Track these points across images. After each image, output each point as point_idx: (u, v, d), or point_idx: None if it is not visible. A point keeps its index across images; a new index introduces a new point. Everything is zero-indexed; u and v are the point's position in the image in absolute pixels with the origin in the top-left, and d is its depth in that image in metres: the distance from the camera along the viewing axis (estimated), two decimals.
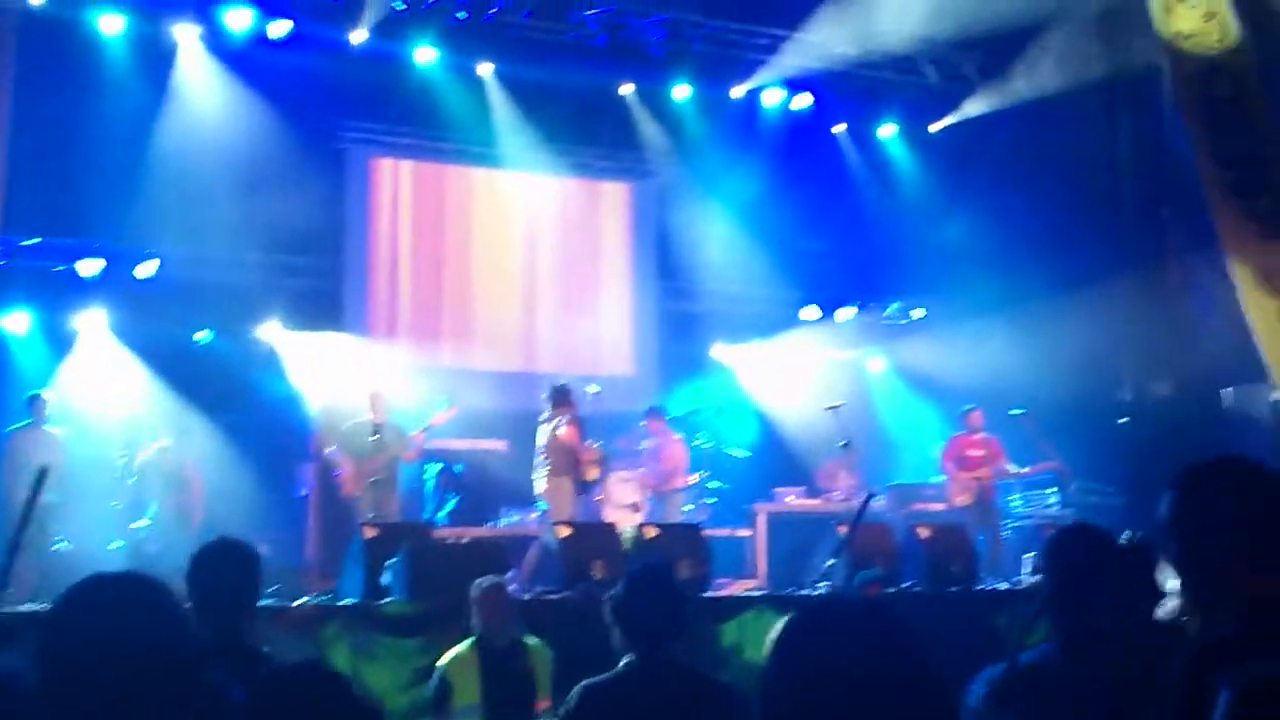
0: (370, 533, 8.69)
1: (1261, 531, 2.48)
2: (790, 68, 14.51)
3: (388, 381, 11.48)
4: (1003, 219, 13.80)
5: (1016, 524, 13.00)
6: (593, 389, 12.31)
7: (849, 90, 15.13)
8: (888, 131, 15.77)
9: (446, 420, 11.50)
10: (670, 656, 3.95)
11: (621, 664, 3.94)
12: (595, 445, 11.40)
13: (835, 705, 1.83)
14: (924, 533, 10.59)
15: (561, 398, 11.33)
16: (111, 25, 12.17)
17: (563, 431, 11.13)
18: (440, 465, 12.75)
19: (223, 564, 4.37)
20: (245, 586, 4.38)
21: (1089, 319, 13.15)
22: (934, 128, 15.37)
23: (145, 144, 12.16)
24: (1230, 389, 12.83)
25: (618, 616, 4.00)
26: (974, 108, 14.73)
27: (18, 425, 10.54)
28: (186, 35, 12.67)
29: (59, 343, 12.07)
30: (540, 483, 11.23)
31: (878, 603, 2.07)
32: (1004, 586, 10.62)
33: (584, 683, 3.93)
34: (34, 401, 10.64)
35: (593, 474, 11.27)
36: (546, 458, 11.17)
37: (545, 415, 11.32)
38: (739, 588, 11.16)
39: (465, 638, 6.75)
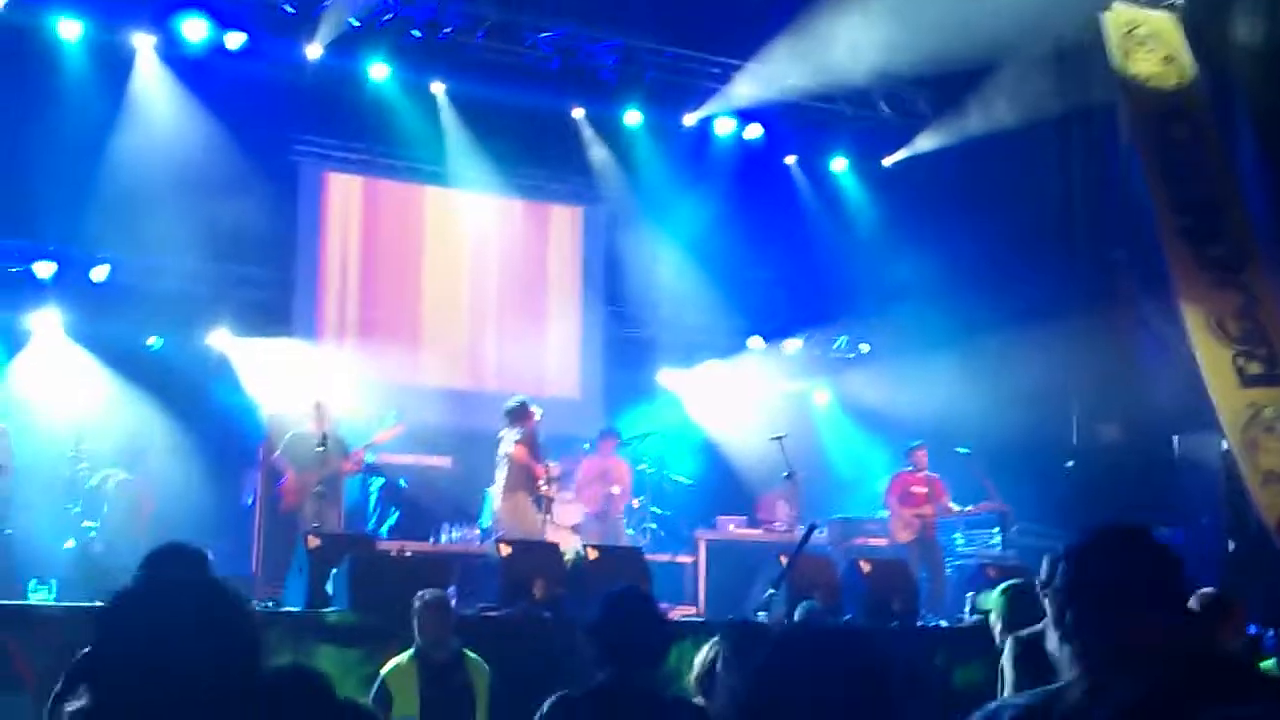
0: (314, 543, 8.59)
1: (1150, 595, 2.52)
2: (743, 97, 14.61)
3: (334, 393, 11.37)
4: (953, 255, 13.92)
5: (959, 562, 13.06)
6: (536, 411, 12.26)
7: (801, 122, 15.26)
8: (839, 165, 15.90)
9: (391, 438, 11.46)
10: (646, 679, 3.90)
11: (595, 682, 3.89)
12: (551, 463, 11.35)
13: None
14: (866, 567, 10.57)
15: (517, 415, 11.33)
16: (69, 31, 12.07)
17: (512, 449, 11.10)
18: (383, 479, 12.65)
19: (173, 566, 4.30)
20: None
21: (1038, 359, 13.26)
22: (887, 162, 15.50)
23: (100, 150, 12.05)
24: (1179, 436, 12.93)
25: (595, 635, 3.94)
26: (927, 143, 14.87)
27: None
28: (143, 44, 12.58)
29: (11, 341, 11.94)
30: (496, 499, 11.27)
31: (861, 633, 2.12)
32: (944, 624, 10.63)
33: (559, 693, 3.86)
34: None
35: (549, 491, 11.21)
36: (504, 475, 11.18)
37: (502, 432, 11.29)
38: (678, 614, 11.12)
39: (406, 649, 6.68)
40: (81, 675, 3.93)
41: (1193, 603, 4.69)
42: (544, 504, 11.28)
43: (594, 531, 12.24)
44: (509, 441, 11.20)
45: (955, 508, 12.71)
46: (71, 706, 3.06)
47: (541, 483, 11.21)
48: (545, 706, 3.77)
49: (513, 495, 11.16)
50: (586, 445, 13.13)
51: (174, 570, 4.02)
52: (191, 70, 12.66)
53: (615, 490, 12.53)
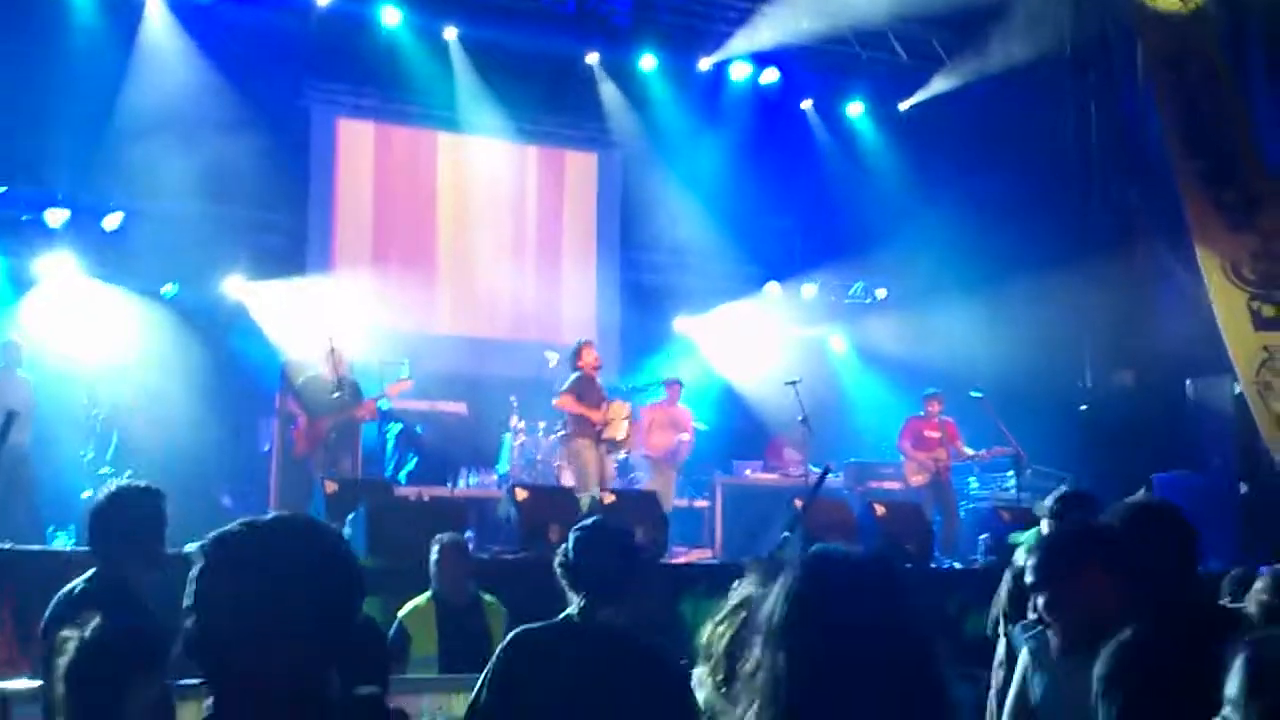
0: (331, 488, 8.66)
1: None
2: (758, 41, 14.49)
3: (348, 338, 11.38)
4: (968, 199, 13.89)
5: (972, 505, 13.10)
6: (552, 356, 12.29)
7: (817, 66, 15.15)
8: (855, 109, 15.79)
9: (400, 392, 11.41)
10: (610, 614, 3.86)
11: (560, 616, 3.91)
12: (611, 404, 11.27)
13: (853, 648, 1.94)
14: (880, 509, 10.64)
15: (570, 361, 11.39)
16: None
17: (557, 399, 11.19)
18: (400, 425, 12.71)
19: (119, 509, 4.31)
20: (140, 531, 4.32)
21: (1053, 303, 13.25)
22: (903, 106, 15.40)
23: (112, 98, 12.00)
24: (1192, 380, 12.92)
25: (563, 569, 3.96)
26: (942, 85, 14.75)
27: None
28: None
29: (23, 289, 11.95)
30: (563, 447, 11.48)
31: (890, 559, 2.15)
32: (958, 566, 10.70)
33: (520, 628, 3.84)
34: (7, 347, 10.56)
35: (612, 433, 11.16)
36: (564, 423, 11.32)
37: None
38: (694, 557, 11.21)
39: (423, 592, 6.75)
40: (71, 608, 3.97)
41: None
42: (612, 447, 11.23)
43: (657, 478, 12.15)
44: (556, 391, 11.24)
45: (969, 451, 12.73)
46: (67, 631, 3.08)
47: (603, 426, 11.13)
48: (505, 641, 3.74)
49: (569, 443, 11.19)
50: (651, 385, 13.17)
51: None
52: (203, 16, 12.62)
53: (685, 437, 12.43)
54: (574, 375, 11.24)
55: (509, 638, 3.73)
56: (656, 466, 12.30)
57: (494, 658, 3.64)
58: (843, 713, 1.93)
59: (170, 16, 12.60)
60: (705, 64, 14.91)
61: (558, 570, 3.98)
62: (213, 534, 2.08)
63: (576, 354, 11.35)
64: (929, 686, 1.98)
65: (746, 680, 2.05)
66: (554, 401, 11.27)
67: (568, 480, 11.42)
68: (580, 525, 4.10)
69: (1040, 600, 3.10)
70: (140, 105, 12.05)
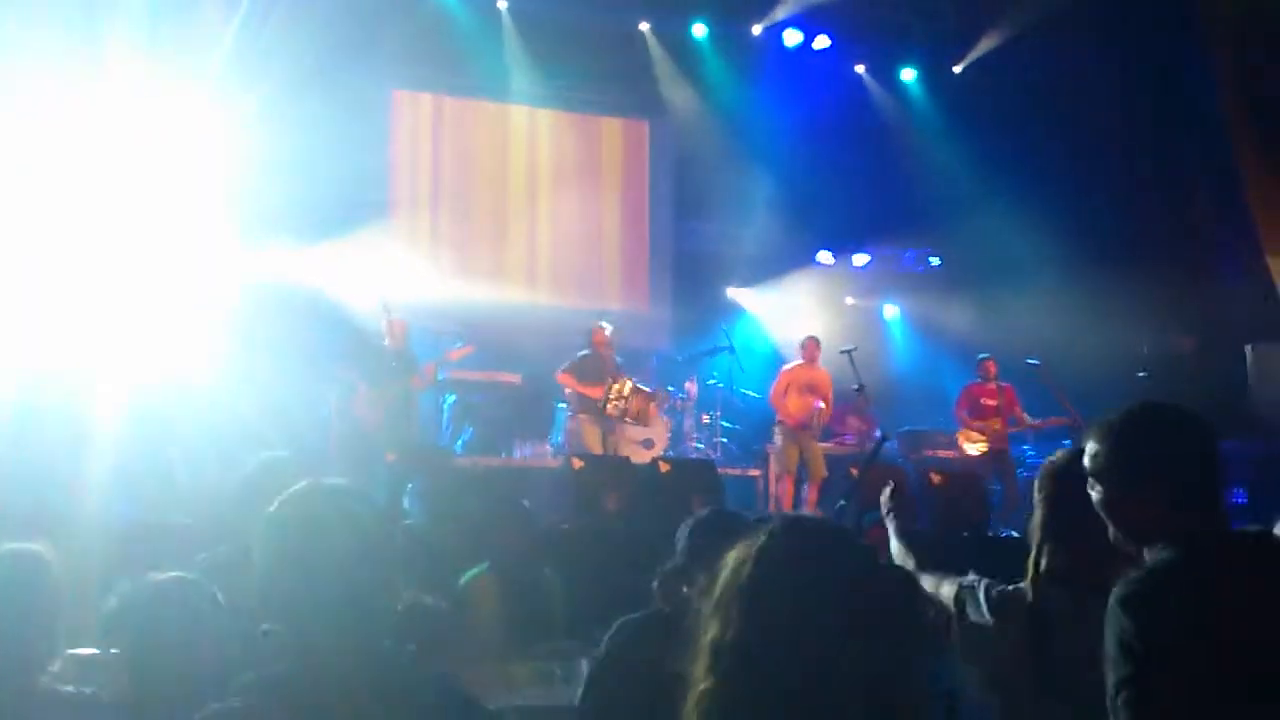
0: (390, 456, 8.73)
1: (1186, 474, 2.65)
2: (809, 5, 14.38)
3: (404, 308, 11.44)
4: (1022, 164, 13.73)
5: (1028, 475, 12.98)
6: (606, 326, 12.30)
7: (869, 30, 15.01)
8: (909, 75, 15.65)
9: (461, 357, 11.51)
10: None
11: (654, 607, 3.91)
12: (623, 381, 11.35)
13: (815, 613, 1.90)
14: (936, 478, 10.58)
15: (585, 340, 11.44)
16: None
17: (557, 375, 11.32)
18: (455, 396, 12.77)
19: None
20: None
21: (1110, 268, 13.09)
22: (957, 68, 15.23)
23: (163, 64, 12.05)
24: (1251, 347, 12.76)
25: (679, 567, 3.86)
26: (991, 42, 14.53)
27: None
28: None
29: None
30: (567, 422, 11.53)
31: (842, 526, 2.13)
32: (1016, 535, 10.60)
33: (621, 619, 3.85)
34: None
35: (612, 410, 11.25)
36: (569, 398, 11.46)
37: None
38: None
39: (482, 562, 6.79)
40: None
41: None
42: (610, 424, 11.31)
43: (790, 448, 11.86)
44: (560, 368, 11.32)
45: (1028, 419, 12.52)
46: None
47: (604, 403, 11.23)
48: (611, 629, 3.76)
49: (573, 418, 11.34)
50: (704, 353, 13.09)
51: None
52: None
53: (822, 404, 12.06)
54: (580, 354, 11.38)
55: (613, 630, 3.75)
56: (792, 435, 11.87)
57: (603, 646, 3.68)
58: (804, 677, 1.90)
59: None
60: (757, 29, 14.81)
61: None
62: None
63: (589, 334, 11.50)
64: (894, 654, 1.94)
65: (706, 646, 2.00)
66: (556, 376, 11.36)
67: (624, 449, 11.45)
68: (697, 518, 4.06)
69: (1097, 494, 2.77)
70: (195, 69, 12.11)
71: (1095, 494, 2.75)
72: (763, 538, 2.00)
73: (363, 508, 2.26)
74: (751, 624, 1.92)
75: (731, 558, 2.01)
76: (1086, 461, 2.77)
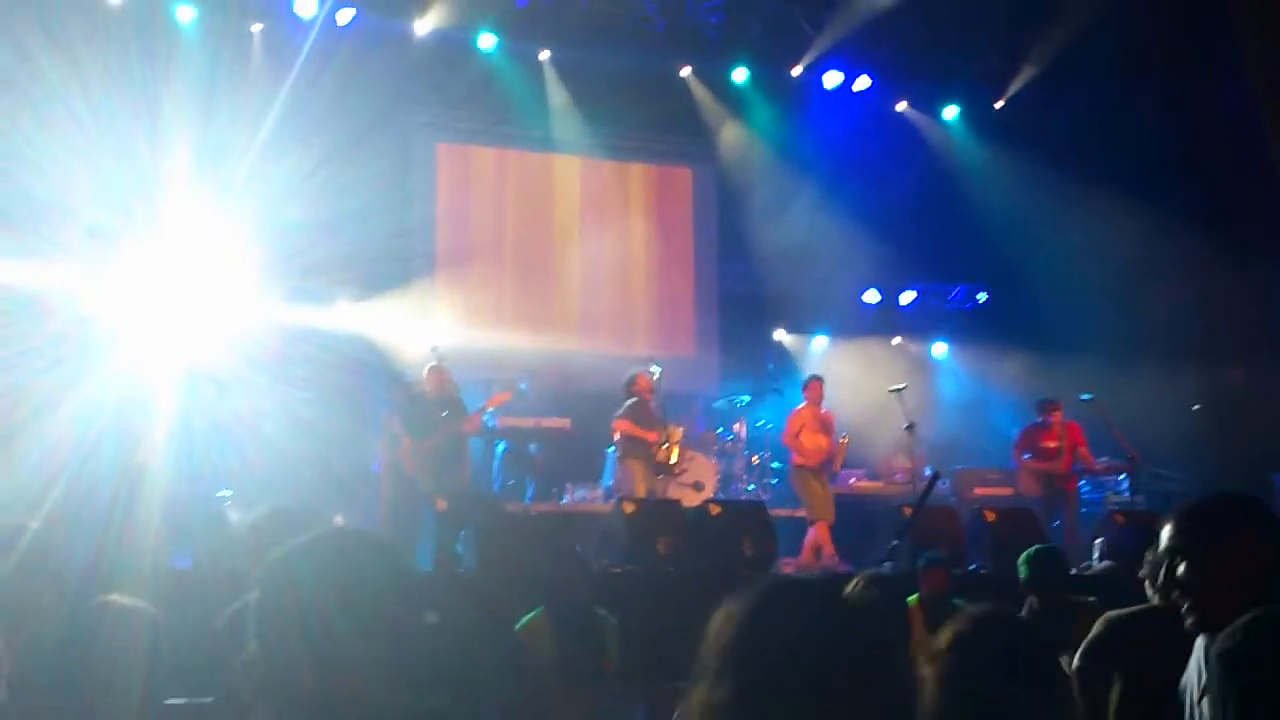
0: (442, 504, 8.77)
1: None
2: (849, 47, 14.45)
3: (450, 356, 11.51)
4: (1067, 199, 13.67)
5: (1084, 510, 12.80)
6: (655, 370, 12.33)
7: (909, 69, 15.03)
8: (950, 112, 15.65)
9: (500, 404, 11.52)
10: None
11: None
12: (671, 427, 11.37)
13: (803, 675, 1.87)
14: (991, 516, 10.50)
15: (626, 387, 11.46)
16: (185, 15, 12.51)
17: (615, 421, 11.31)
18: (506, 444, 12.79)
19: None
20: None
21: (1160, 300, 12.98)
22: (999, 104, 15.21)
23: (216, 128, 12.29)
24: None
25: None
26: (1031, 73, 14.52)
27: None
28: (258, 25, 12.87)
29: None
30: (615, 466, 11.55)
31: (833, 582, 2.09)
32: (1072, 571, 10.43)
33: None
34: None
35: (664, 455, 11.25)
36: (617, 443, 11.48)
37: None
38: (797, 567, 11.16)
39: (535, 607, 6.80)
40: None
41: None
42: (661, 469, 11.29)
43: (812, 487, 11.67)
44: (616, 414, 11.35)
45: (1093, 461, 12.17)
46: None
47: (656, 447, 11.25)
48: None
49: (623, 463, 11.33)
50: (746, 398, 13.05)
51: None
52: (303, 44, 12.87)
53: (844, 439, 11.94)
54: (630, 400, 11.36)
55: None
56: (812, 476, 11.67)
57: None
58: None
59: (273, 44, 12.89)
60: (797, 71, 14.87)
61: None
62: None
63: (632, 380, 11.47)
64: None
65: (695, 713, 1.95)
66: (612, 424, 11.37)
67: (673, 492, 11.44)
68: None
69: (1182, 568, 2.81)
70: (245, 129, 12.33)
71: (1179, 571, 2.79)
72: (751, 598, 1.99)
73: (373, 556, 2.15)
74: (738, 686, 1.91)
75: (718, 617, 2.00)
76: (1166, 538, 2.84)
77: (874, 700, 1.86)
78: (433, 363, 10.77)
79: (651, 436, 11.24)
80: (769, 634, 1.90)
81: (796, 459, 11.76)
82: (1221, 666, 2.47)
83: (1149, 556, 4.41)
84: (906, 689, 1.93)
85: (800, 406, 12.07)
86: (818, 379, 12.20)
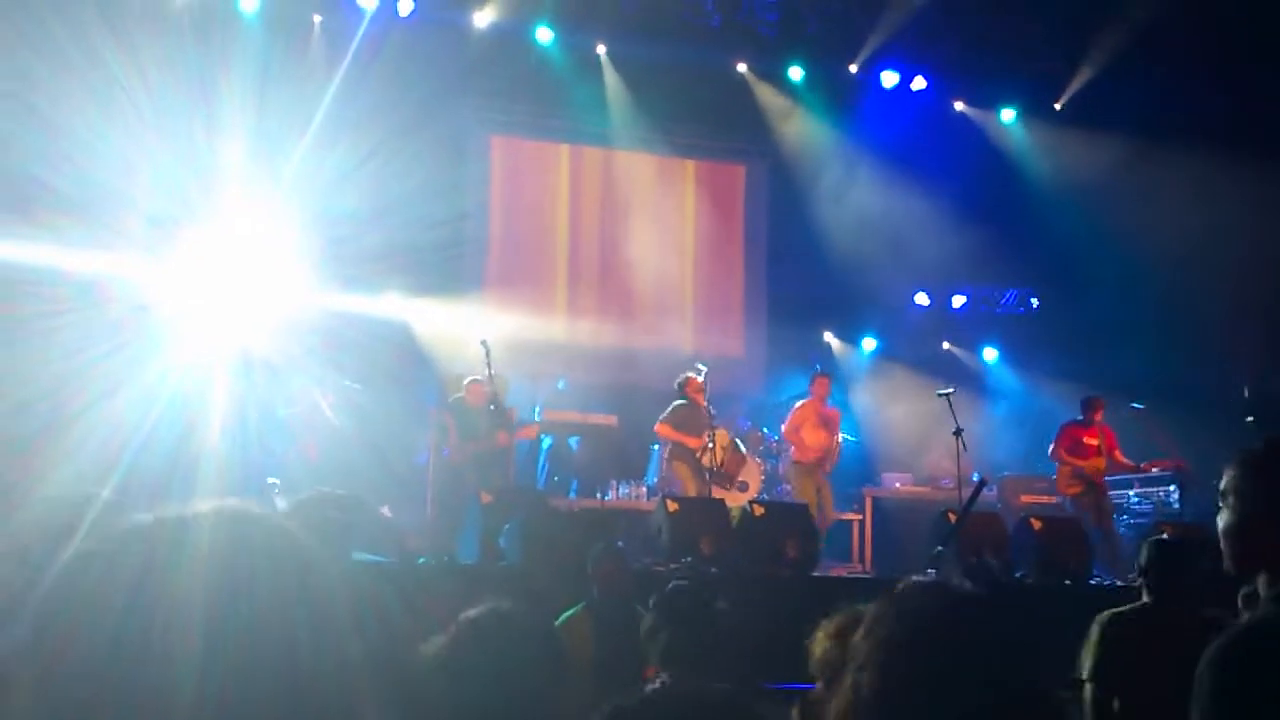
0: (487, 499, 8.82)
1: None
2: (906, 47, 14.38)
3: (500, 355, 11.57)
4: (1120, 203, 13.51)
5: (1133, 521, 12.68)
6: (702, 369, 12.32)
7: (966, 69, 14.92)
8: (1008, 115, 15.52)
9: (527, 435, 11.64)
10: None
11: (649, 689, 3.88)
12: (715, 431, 11.32)
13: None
14: (1037, 525, 10.42)
15: (679, 386, 11.48)
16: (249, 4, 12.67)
17: (657, 425, 11.34)
18: (551, 440, 12.85)
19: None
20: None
21: (1210, 309, 12.82)
22: (1058, 105, 15.06)
23: (272, 117, 12.40)
24: None
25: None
26: (1090, 74, 14.36)
27: None
28: (318, 16, 13.01)
29: None
30: (662, 466, 11.61)
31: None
32: (1119, 584, 10.32)
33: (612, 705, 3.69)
34: None
35: (708, 460, 11.22)
36: (665, 449, 11.57)
37: None
38: (841, 571, 11.15)
39: (578, 602, 6.83)
40: None
41: None
42: (710, 474, 11.21)
43: (806, 484, 11.77)
44: (661, 417, 11.37)
45: (1127, 461, 12.19)
46: None
47: (700, 452, 11.22)
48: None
49: (670, 464, 11.39)
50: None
51: None
52: (364, 38, 12.97)
53: (839, 439, 12.08)
54: (678, 403, 11.38)
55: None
56: (806, 473, 11.83)
57: None
58: None
59: (332, 34, 13.00)
60: (853, 70, 14.81)
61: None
62: None
63: (684, 383, 11.49)
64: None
65: (842, 696, 2.04)
66: (655, 427, 11.40)
67: (717, 492, 11.44)
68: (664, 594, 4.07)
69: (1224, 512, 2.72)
70: (299, 122, 12.44)
71: (1222, 517, 2.74)
72: (897, 601, 2.07)
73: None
74: (882, 682, 1.99)
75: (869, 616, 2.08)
76: (1223, 482, 2.76)
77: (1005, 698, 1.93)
78: (485, 366, 10.77)
79: (693, 442, 11.21)
80: (917, 634, 1.99)
81: (794, 454, 11.89)
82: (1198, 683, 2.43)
83: None
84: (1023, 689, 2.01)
85: (804, 401, 12.13)
86: (824, 375, 12.37)
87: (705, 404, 11.39)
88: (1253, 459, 2.71)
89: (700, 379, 11.54)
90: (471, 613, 2.75)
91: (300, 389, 11.49)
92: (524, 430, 11.22)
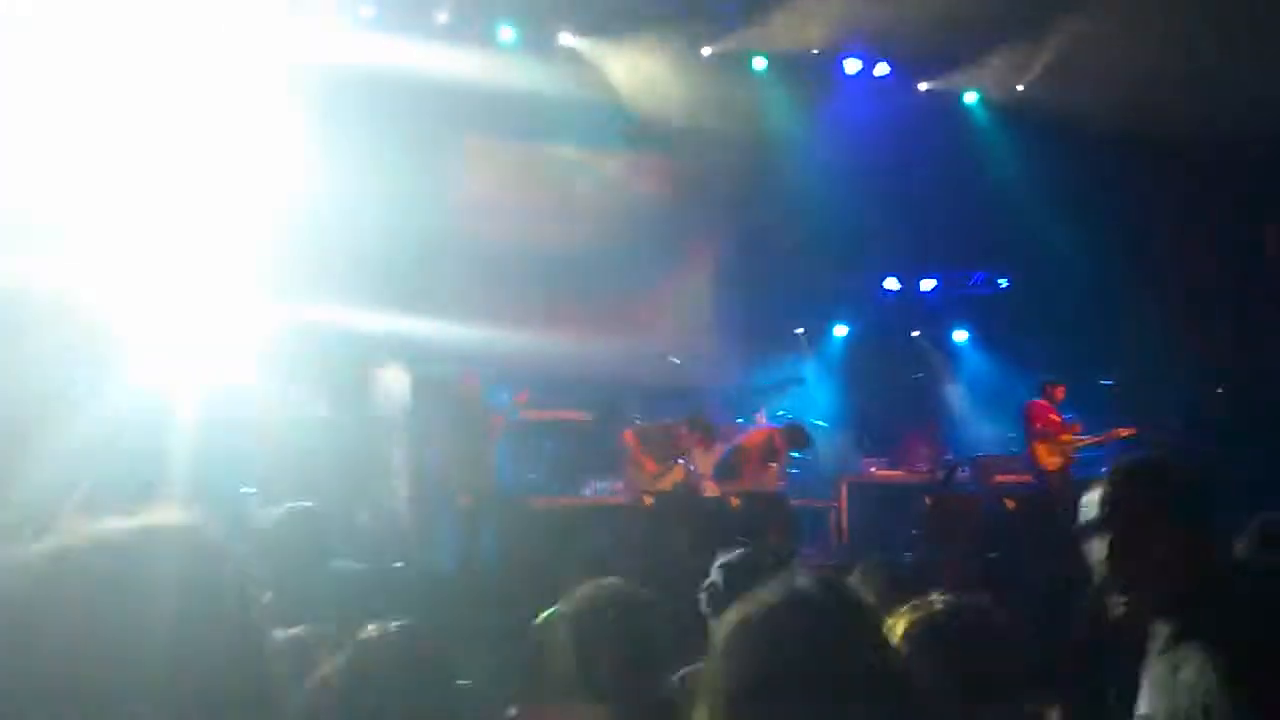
0: (465, 501, 8.82)
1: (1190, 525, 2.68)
2: (868, 33, 14.39)
3: (476, 358, 11.57)
4: (1087, 183, 13.59)
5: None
6: (674, 361, 12.34)
7: (928, 54, 14.91)
8: (971, 97, 15.55)
9: (525, 401, 11.53)
10: None
11: None
12: (674, 465, 11.17)
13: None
14: (1011, 504, 10.51)
15: (690, 417, 11.41)
16: None
17: (628, 428, 11.35)
18: (527, 437, 12.82)
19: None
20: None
21: (1180, 285, 12.91)
22: (1020, 86, 15.08)
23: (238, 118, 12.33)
24: None
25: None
26: (1051, 56, 14.39)
27: None
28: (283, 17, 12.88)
29: None
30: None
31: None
32: None
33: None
34: None
35: (650, 482, 11.00)
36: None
37: None
38: (820, 560, 11.19)
39: (557, 601, 6.83)
40: None
41: None
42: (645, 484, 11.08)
43: None
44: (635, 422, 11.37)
45: (1088, 438, 12.32)
46: None
47: (656, 478, 11.06)
48: None
49: (628, 466, 11.34)
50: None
51: None
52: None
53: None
54: (665, 422, 11.37)
55: None
56: None
57: None
58: None
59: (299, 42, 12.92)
60: (816, 58, 14.80)
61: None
62: None
63: (691, 419, 11.38)
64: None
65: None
66: (624, 430, 11.40)
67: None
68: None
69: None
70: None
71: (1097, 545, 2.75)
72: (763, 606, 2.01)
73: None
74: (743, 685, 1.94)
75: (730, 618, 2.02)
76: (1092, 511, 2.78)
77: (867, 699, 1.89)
78: (459, 370, 10.77)
79: (650, 468, 11.10)
80: (772, 637, 1.92)
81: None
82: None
83: None
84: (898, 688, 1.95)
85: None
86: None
87: (693, 449, 11.23)
88: (1139, 470, 2.76)
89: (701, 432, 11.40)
90: (368, 632, 2.75)
91: (267, 396, 11.49)
92: (495, 421, 11.14)
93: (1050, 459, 12.14)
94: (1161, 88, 13.30)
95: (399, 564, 8.71)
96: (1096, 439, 12.32)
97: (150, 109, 11.51)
